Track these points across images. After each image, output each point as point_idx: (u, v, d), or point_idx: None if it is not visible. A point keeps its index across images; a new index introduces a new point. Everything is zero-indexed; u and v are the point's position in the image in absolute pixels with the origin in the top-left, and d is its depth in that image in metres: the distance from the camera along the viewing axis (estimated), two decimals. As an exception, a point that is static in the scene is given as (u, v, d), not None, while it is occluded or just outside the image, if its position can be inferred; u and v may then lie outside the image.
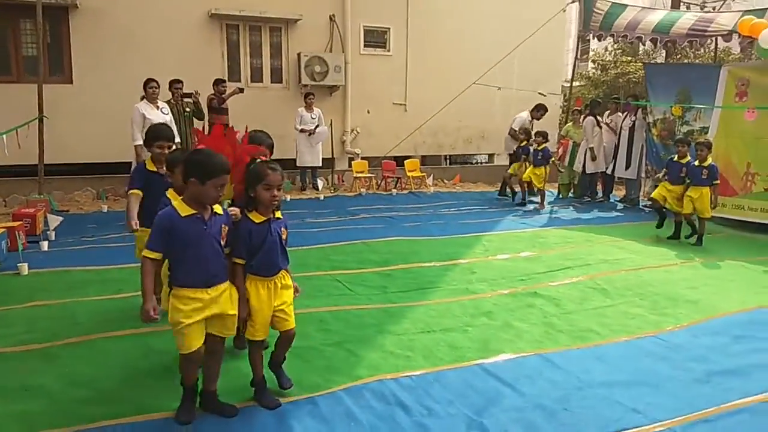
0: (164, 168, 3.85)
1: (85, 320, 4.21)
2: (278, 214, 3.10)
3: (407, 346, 3.88)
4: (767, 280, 5.63)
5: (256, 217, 3.01)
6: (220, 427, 2.88)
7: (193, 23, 10.52)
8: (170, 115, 8.04)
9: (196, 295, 2.77)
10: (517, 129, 10.38)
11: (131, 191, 3.97)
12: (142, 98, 7.76)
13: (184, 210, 2.76)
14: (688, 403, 3.20)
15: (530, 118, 10.68)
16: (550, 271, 5.76)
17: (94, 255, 5.97)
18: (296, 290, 3.22)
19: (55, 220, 6.98)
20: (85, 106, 9.58)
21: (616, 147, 10.35)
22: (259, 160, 3.12)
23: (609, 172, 10.53)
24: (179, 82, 8.79)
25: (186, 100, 8.91)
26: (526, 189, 9.86)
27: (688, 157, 7.24)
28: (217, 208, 2.89)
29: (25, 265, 5.28)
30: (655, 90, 9.91)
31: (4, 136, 7.39)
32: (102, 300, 4.64)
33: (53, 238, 6.65)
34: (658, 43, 10.25)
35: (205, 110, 9.33)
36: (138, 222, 3.87)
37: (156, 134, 4.01)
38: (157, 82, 7.85)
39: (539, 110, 10.71)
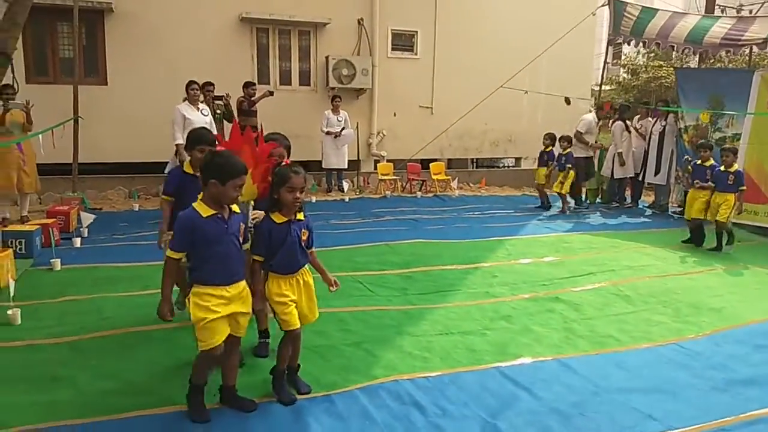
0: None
1: (112, 315, 4.35)
2: (300, 216, 3.18)
3: (425, 348, 3.92)
4: (795, 289, 5.51)
5: (278, 218, 3.10)
6: (237, 422, 2.95)
7: (224, 27, 10.73)
8: (210, 116, 8.21)
9: (219, 292, 2.85)
10: (583, 132, 10.04)
11: (164, 196, 4.01)
12: (184, 99, 7.93)
13: (205, 211, 2.84)
14: (705, 412, 3.17)
15: (597, 120, 10.43)
16: (572, 276, 5.73)
17: (124, 252, 6.14)
18: (333, 284, 3.33)
19: (88, 218, 7.18)
20: (119, 107, 9.85)
21: (646, 152, 10.22)
22: (283, 163, 3.23)
23: (639, 177, 10.39)
24: (211, 84, 8.98)
25: (217, 102, 9.08)
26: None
27: (711, 161, 7.12)
28: (235, 207, 2.98)
29: (58, 260, 5.47)
30: (686, 95, 9.74)
31: (41, 135, 7.65)
32: (130, 296, 4.78)
33: (86, 235, 6.86)
34: (692, 53, 10.11)
35: (235, 112, 9.49)
36: (167, 239, 3.85)
37: (198, 138, 3.96)
38: (198, 85, 8.03)
39: (602, 109, 10.50)
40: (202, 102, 8.26)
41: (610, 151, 10.27)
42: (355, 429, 2.93)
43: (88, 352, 3.70)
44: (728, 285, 5.61)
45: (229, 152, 3.07)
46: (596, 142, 10.24)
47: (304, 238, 3.19)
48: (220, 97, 9.26)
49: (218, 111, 9.09)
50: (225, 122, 9.29)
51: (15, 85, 7.50)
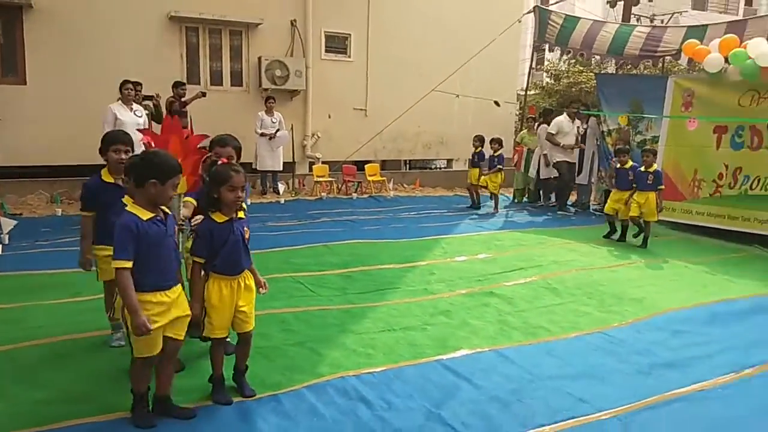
0: (123, 176, 3.52)
1: (44, 323, 4.18)
2: (241, 214, 3.17)
3: (368, 345, 4.00)
4: (706, 279, 5.97)
5: (219, 218, 3.08)
6: (184, 427, 2.93)
7: (152, 25, 10.42)
8: (144, 117, 7.98)
9: (159, 299, 2.79)
10: (554, 133, 10.04)
11: (83, 213, 3.67)
12: (118, 99, 7.68)
13: (144, 214, 2.76)
14: (632, 393, 3.42)
15: (568, 119, 10.21)
16: (504, 271, 5.97)
17: (50, 259, 5.88)
18: (263, 286, 3.28)
19: (8, 224, 6.84)
20: (39, 107, 9.37)
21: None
22: (220, 162, 3.21)
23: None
24: (139, 84, 8.69)
25: (146, 102, 8.83)
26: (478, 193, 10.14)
27: (631, 163, 7.59)
28: (164, 208, 2.90)
29: (-21, 268, 5.19)
30: (607, 99, 10.32)
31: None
32: (60, 303, 4.61)
33: (7, 241, 6.53)
34: (614, 64, 10.71)
35: (164, 113, 9.24)
36: (92, 263, 3.64)
37: (113, 138, 3.65)
38: (132, 84, 7.80)
39: (572, 106, 10.53)
40: (136, 102, 8.02)
41: (536, 152, 10.73)
42: (303, 426, 2.98)
43: (20, 363, 3.56)
44: (648, 277, 6.01)
45: (163, 150, 3.04)
46: (577, 142, 10.19)
47: (247, 236, 3.18)
48: (149, 97, 9.00)
49: (147, 111, 8.82)
50: (154, 123, 9.03)
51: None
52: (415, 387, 3.44)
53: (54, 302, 4.61)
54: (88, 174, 9.63)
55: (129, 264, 2.67)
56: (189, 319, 2.97)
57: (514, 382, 3.55)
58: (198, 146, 3.36)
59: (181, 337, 2.96)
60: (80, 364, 3.58)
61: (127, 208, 2.78)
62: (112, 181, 3.62)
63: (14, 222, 7.04)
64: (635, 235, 7.59)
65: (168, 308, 2.82)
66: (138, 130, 3.84)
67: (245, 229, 3.17)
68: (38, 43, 9.45)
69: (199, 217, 3.28)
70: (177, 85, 9.42)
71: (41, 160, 9.63)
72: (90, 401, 3.12)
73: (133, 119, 7.70)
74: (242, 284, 3.15)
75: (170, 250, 2.88)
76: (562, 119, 10.20)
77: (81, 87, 9.60)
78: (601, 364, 3.86)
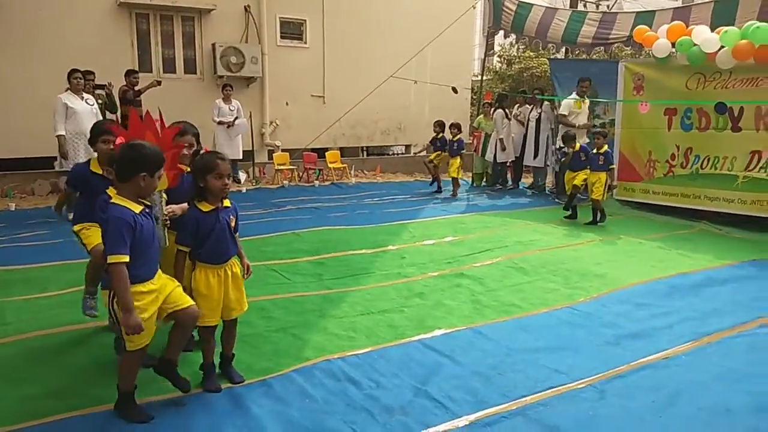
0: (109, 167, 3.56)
1: (15, 320, 4.08)
2: (227, 203, 3.19)
3: (350, 328, 4.09)
4: (661, 254, 6.29)
5: (205, 207, 3.09)
6: (180, 415, 2.95)
7: (101, 12, 10.12)
8: (95, 106, 7.78)
9: (148, 287, 2.78)
10: (565, 114, 9.64)
11: (69, 189, 3.82)
12: (66, 89, 7.46)
13: (134, 207, 2.73)
14: (603, 363, 3.62)
15: (576, 96, 9.63)
16: (472, 253, 6.14)
17: (10, 254, 5.70)
18: (247, 270, 3.31)
19: (-41, 220, 6.57)
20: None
21: (525, 137, 11.00)
22: (203, 151, 3.21)
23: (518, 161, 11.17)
24: (91, 73, 8.43)
25: (98, 92, 8.57)
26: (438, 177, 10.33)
27: (606, 147, 7.84)
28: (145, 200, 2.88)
29: (-64, 267, 5.00)
30: (560, 84, 10.60)
31: None
32: (29, 299, 4.50)
33: (-33, 237, 6.28)
34: (569, 53, 11.04)
35: (118, 102, 9.00)
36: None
37: (101, 129, 3.79)
38: (81, 73, 7.60)
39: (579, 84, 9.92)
40: (86, 91, 7.79)
41: (492, 137, 10.95)
42: (296, 407, 3.04)
43: (-2, 360, 3.48)
44: (607, 254, 6.29)
45: (147, 142, 3.01)
46: (589, 120, 9.70)
47: (233, 224, 3.20)
48: (102, 86, 8.74)
49: (100, 101, 8.57)
50: (108, 113, 8.79)
51: None
52: (400, 366, 3.54)
53: (22, 298, 4.49)
54: (38, 167, 9.40)
55: (126, 258, 2.63)
56: (181, 287, 2.97)
57: (493, 356, 3.70)
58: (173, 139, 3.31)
59: (188, 303, 2.92)
60: (59, 358, 3.53)
61: (114, 201, 2.70)
62: (100, 172, 3.69)
63: (-35, 218, 6.77)
64: (600, 220, 7.76)
65: (156, 295, 2.81)
66: (110, 128, 3.80)
67: (231, 217, 3.19)
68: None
69: (174, 207, 3.26)
70: (129, 73, 9.18)
71: (-12, 152, 9.25)
72: (79, 395, 3.09)
73: (85, 108, 7.51)
74: (229, 272, 3.17)
75: (155, 240, 2.88)
76: (570, 101, 9.63)
77: (31, 78, 9.27)
78: (571, 336, 4.06)
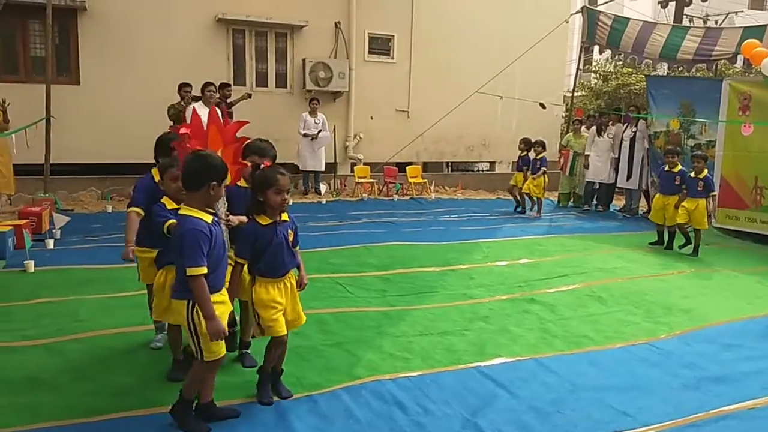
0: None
1: (89, 317, 4.30)
2: (285, 217, 3.16)
3: (405, 348, 3.97)
4: (759, 290, 5.70)
5: (263, 220, 3.07)
6: (222, 424, 2.95)
7: (200, 27, 10.66)
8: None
9: (221, 298, 2.81)
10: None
11: (131, 208, 3.53)
12: (196, 100, 7.96)
13: (206, 217, 2.73)
14: (677, 408, 3.28)
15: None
16: (547, 278, 5.84)
17: (98, 254, 6.05)
18: (300, 283, 3.26)
19: (61, 220, 7.08)
20: (92, 107, 9.71)
21: (618, 157, 10.44)
22: (263, 165, 3.22)
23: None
24: (188, 85, 8.89)
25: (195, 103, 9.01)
26: (525, 198, 9.94)
27: (679, 166, 7.32)
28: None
29: (32, 262, 5.38)
30: (657, 102, 10.01)
31: (13, 135, 7.51)
32: (106, 298, 4.73)
33: (59, 236, 6.74)
34: (667, 69, 10.45)
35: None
36: (134, 248, 3.47)
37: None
38: (215, 86, 8.27)
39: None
40: (172, 103, 8.23)
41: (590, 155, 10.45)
42: (338, 427, 2.96)
43: (66, 354, 3.66)
44: (697, 287, 5.78)
45: (209, 151, 3.04)
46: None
47: (291, 238, 3.18)
48: (198, 99, 9.18)
49: (194, 112, 9.02)
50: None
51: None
52: (452, 393, 3.38)
53: (99, 297, 4.73)
54: (138, 172, 9.91)
55: (206, 270, 2.64)
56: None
57: (554, 392, 3.45)
58: (236, 134, 3.31)
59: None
60: (123, 357, 3.67)
61: (185, 212, 2.72)
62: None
63: (67, 218, 7.29)
64: (681, 246, 7.30)
65: (226, 306, 2.86)
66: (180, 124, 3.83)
67: (289, 231, 3.16)
68: (91, 45, 9.79)
69: (232, 217, 3.29)
70: (223, 86, 9.60)
71: (93, 158, 9.96)
72: (134, 395, 3.18)
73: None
74: (288, 284, 3.17)
75: (225, 251, 2.90)
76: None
77: (131, 87, 9.90)
78: (646, 376, 3.72)
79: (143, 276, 3.66)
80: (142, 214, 3.50)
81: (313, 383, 3.39)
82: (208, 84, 7.99)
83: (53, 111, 8.61)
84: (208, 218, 2.74)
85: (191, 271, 2.62)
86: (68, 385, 3.26)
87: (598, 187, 10.70)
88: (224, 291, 2.89)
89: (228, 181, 2.96)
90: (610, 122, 10.80)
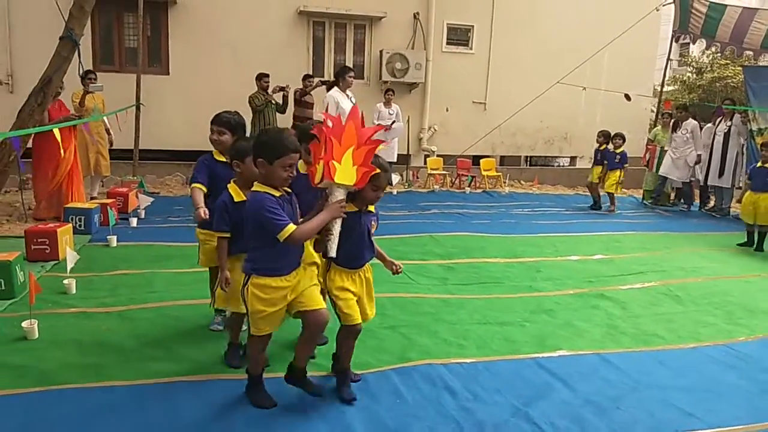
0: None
1: (161, 288, 4.52)
2: (371, 207, 3.07)
3: (461, 335, 3.90)
4: None
5: (350, 207, 2.94)
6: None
7: (282, 19, 10.95)
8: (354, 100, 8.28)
9: (278, 283, 2.71)
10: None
11: (193, 185, 3.54)
12: (334, 85, 8.07)
13: (277, 192, 2.68)
14: (751, 413, 3.03)
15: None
16: (621, 274, 5.57)
17: (177, 233, 6.35)
18: (397, 266, 3.18)
19: (146, 200, 7.48)
20: (180, 96, 10.22)
21: (711, 154, 9.79)
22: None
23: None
24: (266, 75, 9.17)
25: (276, 94, 9.26)
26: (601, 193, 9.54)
27: None
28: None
29: (114, 237, 5.73)
30: (756, 94, 9.31)
31: (107, 119, 8.03)
32: (179, 273, 4.95)
33: (143, 216, 7.15)
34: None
35: (292, 103, 9.67)
36: (207, 211, 3.36)
37: (217, 119, 3.68)
38: (353, 71, 8.29)
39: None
40: (253, 93, 8.49)
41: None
42: (385, 406, 2.95)
43: (136, 322, 3.86)
44: (788, 290, 5.33)
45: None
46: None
47: (373, 229, 3.09)
48: (282, 88, 9.42)
49: (273, 101, 9.27)
50: (278, 114, 9.46)
51: (80, 71, 7.91)
52: (505, 382, 3.28)
53: (173, 271, 4.97)
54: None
55: (294, 227, 2.60)
56: (318, 288, 2.86)
57: (616, 388, 3.28)
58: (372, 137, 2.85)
59: (317, 306, 2.77)
60: (188, 327, 3.82)
61: (271, 192, 2.68)
62: (224, 160, 3.57)
63: (151, 199, 7.69)
64: None
65: (287, 293, 2.74)
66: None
67: (372, 223, 3.09)
68: (180, 37, 10.29)
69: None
70: (306, 77, 9.83)
71: (180, 144, 10.47)
72: (191, 362, 3.32)
73: (349, 105, 8.08)
74: (363, 277, 3.05)
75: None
76: None
77: (217, 77, 10.32)
78: (719, 378, 3.46)
79: (204, 259, 3.64)
80: (203, 189, 3.50)
81: (363, 362, 3.39)
82: (346, 69, 8.07)
83: (145, 100, 9.12)
84: (278, 193, 2.69)
85: (283, 235, 2.58)
86: (133, 350, 3.44)
87: (675, 185, 10.11)
88: (292, 276, 2.76)
89: (352, 182, 2.75)
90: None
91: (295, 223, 2.66)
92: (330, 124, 2.77)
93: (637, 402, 3.13)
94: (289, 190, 2.80)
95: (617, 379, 3.40)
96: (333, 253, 2.75)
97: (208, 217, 3.34)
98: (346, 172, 2.72)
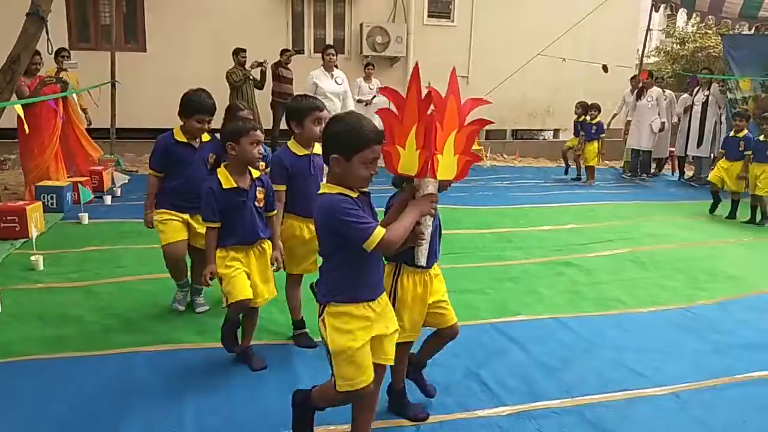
0: (197, 140, 3.54)
1: (129, 264, 4.56)
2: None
3: (423, 303, 3.94)
4: (828, 262, 5.26)
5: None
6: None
7: (260, -6, 10.80)
8: (345, 85, 8.45)
9: (361, 312, 2.11)
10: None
11: (150, 172, 3.53)
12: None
13: (353, 193, 2.08)
14: (699, 372, 3.11)
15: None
16: (590, 243, 5.63)
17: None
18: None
19: (121, 179, 7.48)
20: (157, 73, 10.08)
21: (689, 124, 9.81)
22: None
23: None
24: (243, 50, 9.08)
25: (257, 68, 9.20)
26: (580, 164, 9.56)
27: (746, 131, 6.84)
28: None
29: (86, 215, 5.73)
30: (737, 63, 9.29)
31: (82, 94, 7.98)
32: (148, 248, 4.92)
33: (118, 194, 7.14)
34: (747, 28, 9.66)
35: (271, 79, 9.61)
36: (152, 219, 3.45)
37: (198, 107, 3.53)
38: (334, 49, 8.36)
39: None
40: (231, 68, 8.39)
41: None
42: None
43: (99, 296, 3.90)
44: (752, 256, 5.41)
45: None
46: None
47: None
48: (261, 63, 9.33)
49: (251, 77, 9.21)
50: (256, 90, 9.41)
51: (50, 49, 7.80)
52: (463, 347, 3.30)
53: (143, 247, 4.96)
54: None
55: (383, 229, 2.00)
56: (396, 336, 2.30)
57: (569, 350, 3.35)
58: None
59: (391, 361, 2.28)
60: (149, 300, 3.85)
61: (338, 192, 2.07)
62: (185, 140, 3.61)
63: (127, 177, 7.70)
64: (748, 222, 6.82)
65: (371, 324, 2.13)
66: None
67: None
68: (156, 13, 10.14)
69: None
70: (283, 52, 9.76)
71: (159, 123, 10.35)
72: (151, 332, 3.37)
73: (333, 86, 8.07)
74: (432, 275, 2.60)
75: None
76: None
77: (194, 54, 10.19)
78: (674, 340, 3.54)
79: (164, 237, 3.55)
80: (159, 176, 3.56)
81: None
82: (327, 47, 8.15)
83: (122, 77, 9.02)
84: (355, 194, 2.10)
85: (373, 240, 1.96)
86: (94, 322, 3.48)
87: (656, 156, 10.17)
88: (376, 304, 2.16)
89: (453, 175, 2.19)
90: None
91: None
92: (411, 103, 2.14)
93: (587, 362, 3.21)
94: (365, 190, 2.18)
95: (572, 341, 3.47)
96: (423, 261, 2.17)
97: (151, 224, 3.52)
98: (447, 165, 2.10)
